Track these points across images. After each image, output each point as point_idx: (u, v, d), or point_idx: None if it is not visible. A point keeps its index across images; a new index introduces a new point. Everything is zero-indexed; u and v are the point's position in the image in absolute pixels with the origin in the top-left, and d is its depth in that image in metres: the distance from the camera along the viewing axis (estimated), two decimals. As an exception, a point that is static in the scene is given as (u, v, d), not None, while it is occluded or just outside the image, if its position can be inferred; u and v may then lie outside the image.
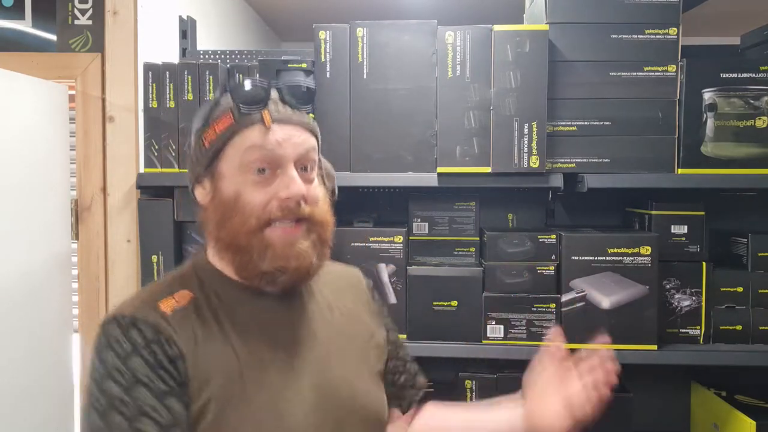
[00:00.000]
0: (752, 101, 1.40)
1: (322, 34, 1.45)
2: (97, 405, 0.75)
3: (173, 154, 1.50)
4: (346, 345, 0.92)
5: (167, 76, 1.51)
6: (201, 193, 0.89)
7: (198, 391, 0.78)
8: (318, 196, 0.87)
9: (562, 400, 0.98)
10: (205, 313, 0.84)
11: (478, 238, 1.59)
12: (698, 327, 1.47)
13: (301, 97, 0.89)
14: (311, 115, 0.92)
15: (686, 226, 1.47)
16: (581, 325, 1.42)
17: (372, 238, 1.48)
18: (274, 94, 0.87)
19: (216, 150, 0.85)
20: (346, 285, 1.01)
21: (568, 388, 1.00)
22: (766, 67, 1.40)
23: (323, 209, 0.88)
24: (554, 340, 1.06)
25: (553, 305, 1.44)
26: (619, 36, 1.41)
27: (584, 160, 1.43)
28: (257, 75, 1.50)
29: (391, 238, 1.48)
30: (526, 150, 1.39)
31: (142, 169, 1.61)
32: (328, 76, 1.45)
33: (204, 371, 0.79)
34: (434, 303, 1.47)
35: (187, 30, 1.83)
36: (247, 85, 0.86)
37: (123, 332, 0.79)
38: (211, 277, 0.88)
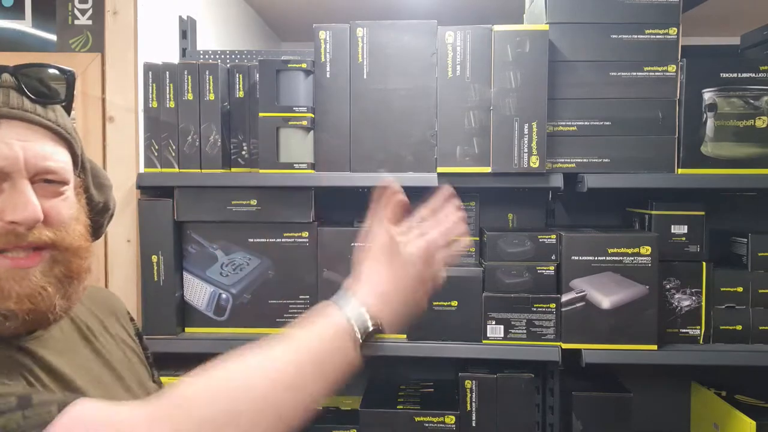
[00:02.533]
0: (752, 101, 1.40)
1: (322, 34, 1.45)
2: None
3: (173, 154, 1.51)
4: (127, 374, 0.80)
5: (167, 76, 1.51)
6: None
7: None
8: (65, 216, 0.67)
9: (412, 260, 0.82)
10: None
11: (478, 238, 1.59)
12: (698, 327, 1.47)
13: (53, 88, 0.68)
14: (69, 112, 0.72)
15: (686, 226, 1.47)
16: (581, 325, 1.42)
17: (372, 238, 1.48)
18: (7, 79, 0.66)
19: None
20: (107, 309, 0.87)
21: (416, 244, 0.84)
22: (766, 67, 1.40)
23: (74, 232, 0.68)
24: (389, 186, 0.84)
25: (553, 305, 1.44)
26: (619, 36, 1.41)
27: (584, 160, 1.43)
28: (257, 75, 1.50)
29: (391, 238, 1.48)
30: (526, 150, 1.39)
31: (142, 169, 1.61)
32: (328, 76, 1.45)
33: None
34: (434, 303, 1.47)
35: (187, 30, 1.83)
36: None
37: None
38: None
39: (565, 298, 1.43)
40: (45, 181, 0.66)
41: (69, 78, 0.70)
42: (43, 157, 0.65)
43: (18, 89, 0.66)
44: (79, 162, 0.73)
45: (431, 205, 0.86)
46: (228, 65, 1.55)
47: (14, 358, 0.65)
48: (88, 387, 0.70)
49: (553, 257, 1.45)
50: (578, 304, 1.42)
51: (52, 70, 0.69)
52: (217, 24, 2.42)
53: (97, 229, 0.80)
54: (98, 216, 0.80)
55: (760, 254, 1.47)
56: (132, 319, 0.94)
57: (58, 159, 0.67)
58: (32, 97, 0.66)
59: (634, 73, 1.41)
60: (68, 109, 0.71)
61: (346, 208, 1.71)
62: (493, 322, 1.45)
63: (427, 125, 1.44)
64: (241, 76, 1.53)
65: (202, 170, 1.49)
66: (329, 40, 1.45)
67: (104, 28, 1.66)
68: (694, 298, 1.46)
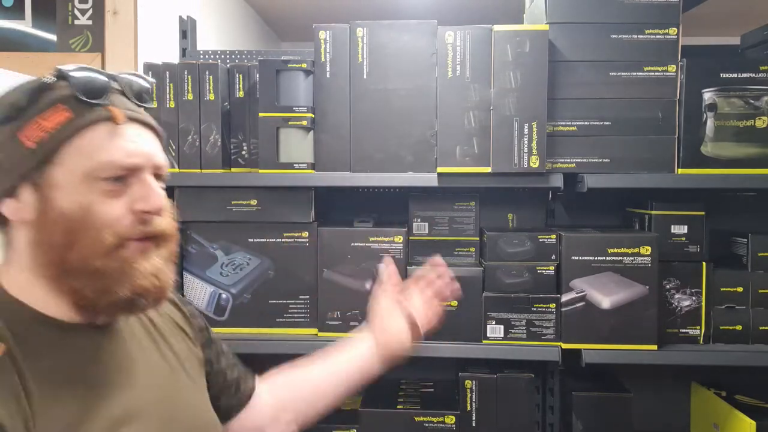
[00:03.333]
0: (752, 101, 1.40)
1: (322, 34, 1.45)
2: None
3: (173, 154, 1.50)
4: (178, 366, 0.85)
5: (167, 76, 1.51)
6: (13, 208, 0.69)
7: None
8: (168, 207, 0.76)
9: (405, 317, 1.07)
10: (28, 364, 0.66)
11: (478, 238, 1.59)
12: (698, 327, 1.47)
13: (147, 93, 0.76)
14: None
15: (686, 226, 1.47)
16: (581, 325, 1.42)
17: (372, 238, 1.48)
18: (116, 85, 0.73)
19: (47, 152, 0.67)
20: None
21: (409, 305, 1.09)
22: (766, 67, 1.40)
23: (171, 223, 0.76)
24: (387, 267, 1.11)
25: (553, 305, 1.44)
26: (619, 36, 1.41)
27: (584, 160, 1.43)
28: (257, 75, 1.50)
29: (391, 238, 1.48)
30: (526, 150, 1.39)
31: (142, 169, 1.61)
32: (328, 76, 1.45)
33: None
34: (434, 303, 1.46)
35: (187, 30, 1.83)
36: (84, 71, 0.70)
37: None
38: (17, 316, 0.69)
39: (565, 298, 1.43)
40: (155, 176, 0.74)
41: (152, 85, 0.79)
42: (157, 153, 0.74)
43: (124, 94, 0.73)
44: None
45: (423, 272, 1.12)
46: (228, 65, 1.55)
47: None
48: (152, 379, 0.79)
49: (553, 257, 1.45)
50: (578, 304, 1.42)
51: (141, 78, 0.77)
52: (217, 24, 2.42)
53: None
54: None
55: (760, 254, 1.47)
56: (187, 302, 0.99)
57: (163, 155, 0.76)
58: (136, 102, 0.74)
59: (634, 73, 1.41)
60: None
61: (346, 208, 1.71)
62: (493, 322, 1.45)
63: (426, 125, 1.44)
64: (241, 76, 1.53)
65: (202, 170, 1.49)
66: (329, 40, 1.45)
67: (104, 28, 1.66)
68: (694, 298, 1.46)
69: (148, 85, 0.77)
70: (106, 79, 0.71)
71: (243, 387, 0.99)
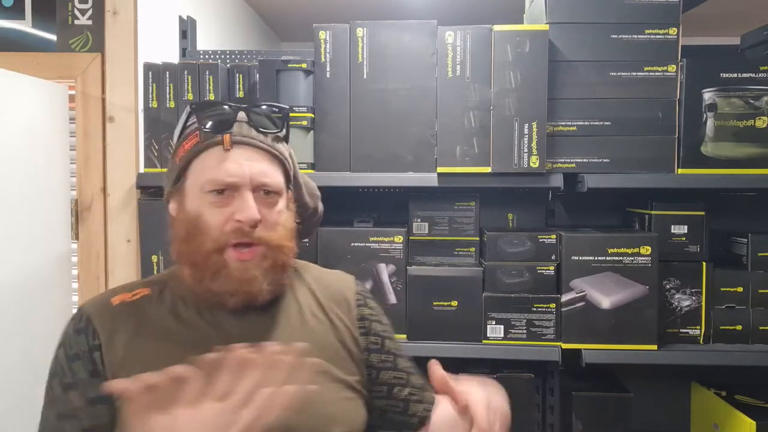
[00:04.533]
0: (752, 101, 1.40)
1: (322, 34, 1.45)
2: (45, 398, 0.85)
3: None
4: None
5: (167, 76, 1.51)
6: (172, 207, 0.90)
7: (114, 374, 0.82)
8: (277, 221, 0.87)
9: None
10: (152, 311, 0.88)
11: (478, 238, 1.59)
12: (698, 327, 1.47)
13: (272, 120, 0.90)
14: (284, 133, 0.92)
15: (686, 226, 1.47)
16: (581, 325, 1.42)
17: (372, 238, 1.48)
18: (242, 115, 0.87)
19: (182, 167, 0.87)
20: (330, 293, 0.98)
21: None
22: (766, 67, 1.40)
23: (281, 234, 0.87)
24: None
25: (553, 305, 1.44)
26: (619, 36, 1.41)
27: (584, 160, 1.43)
28: (257, 75, 1.50)
29: (391, 238, 1.48)
30: (526, 150, 1.39)
31: (142, 169, 1.61)
32: (328, 76, 1.45)
33: (122, 363, 0.83)
34: (434, 303, 1.47)
35: (187, 30, 1.83)
36: (212, 106, 0.88)
37: (73, 328, 0.87)
38: (178, 284, 0.90)
39: (565, 298, 1.43)
40: (264, 192, 0.86)
41: (285, 113, 0.92)
42: (263, 173, 0.86)
43: (248, 123, 0.87)
44: (290, 179, 0.93)
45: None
46: (228, 65, 1.55)
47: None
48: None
49: (553, 257, 1.45)
50: (578, 304, 1.42)
51: (271, 108, 0.91)
52: (217, 24, 2.42)
53: (310, 228, 1.10)
54: (310, 218, 1.06)
55: (760, 254, 1.47)
56: (362, 305, 1.00)
57: (273, 175, 0.87)
58: (258, 129, 0.87)
59: (634, 73, 1.41)
60: (286, 139, 0.93)
61: (346, 208, 1.71)
62: (493, 322, 1.45)
63: (426, 125, 1.44)
64: (241, 76, 1.53)
65: (202, 170, 1.49)
66: (329, 40, 1.45)
67: (104, 28, 1.66)
68: (694, 298, 1.46)
69: (274, 114, 0.90)
70: (229, 112, 0.87)
71: (413, 409, 0.96)
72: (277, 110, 0.91)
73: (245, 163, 0.85)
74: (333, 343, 0.93)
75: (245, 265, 0.85)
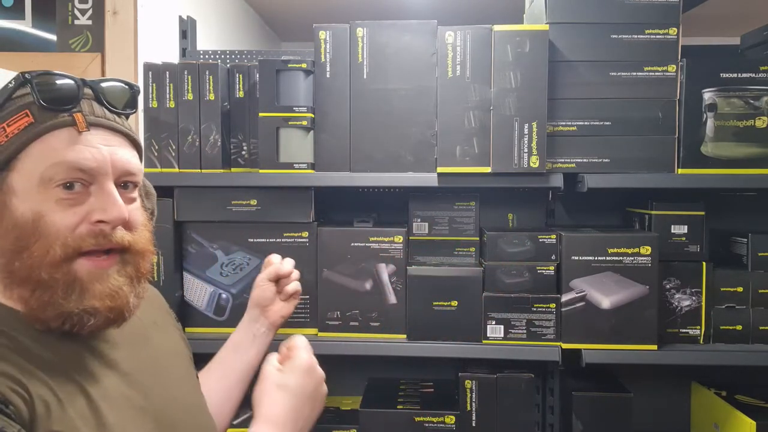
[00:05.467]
0: (752, 101, 1.40)
1: (322, 34, 1.45)
2: None
3: (173, 154, 1.50)
4: (171, 368, 0.84)
5: (167, 76, 1.51)
6: None
7: None
8: (139, 221, 0.73)
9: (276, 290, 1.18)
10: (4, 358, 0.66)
11: (478, 238, 1.59)
12: (698, 327, 1.47)
13: (125, 99, 0.74)
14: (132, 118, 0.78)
15: (686, 226, 1.47)
16: (581, 325, 1.42)
17: (372, 238, 1.48)
18: (88, 91, 0.71)
19: (6, 158, 0.67)
20: (149, 302, 0.87)
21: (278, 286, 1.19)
22: (766, 67, 1.40)
23: (144, 237, 0.73)
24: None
25: (553, 305, 1.44)
26: (619, 36, 1.41)
27: (584, 160, 1.43)
28: (257, 75, 1.50)
29: (391, 238, 1.48)
30: (526, 150, 1.39)
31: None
32: (328, 76, 1.45)
33: None
34: (434, 303, 1.47)
35: (187, 30, 1.83)
36: (49, 77, 0.68)
37: None
38: (4, 318, 0.68)
39: (565, 298, 1.43)
40: (123, 186, 0.71)
41: (135, 92, 0.76)
42: (126, 160, 0.71)
43: (98, 101, 0.71)
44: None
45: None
46: (228, 65, 1.55)
47: (83, 359, 0.71)
48: (146, 380, 0.77)
49: (553, 257, 1.45)
50: (578, 304, 1.42)
51: (122, 84, 0.75)
52: (217, 24, 2.42)
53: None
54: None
55: (760, 254, 1.47)
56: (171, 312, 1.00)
57: (136, 162, 0.73)
58: (111, 107, 0.72)
59: (634, 73, 1.41)
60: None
61: (346, 208, 1.71)
62: (493, 322, 1.45)
63: (427, 125, 1.44)
64: (241, 76, 1.53)
65: (202, 170, 1.49)
66: (329, 40, 1.45)
67: (104, 28, 1.66)
68: (694, 298, 1.46)
69: (128, 92, 0.74)
70: (74, 84, 0.69)
71: None
72: (127, 87, 0.75)
73: (105, 148, 0.69)
74: (177, 350, 0.92)
75: (104, 273, 0.68)
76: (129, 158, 0.72)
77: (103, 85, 0.72)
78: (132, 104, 0.75)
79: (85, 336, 0.71)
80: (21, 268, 0.66)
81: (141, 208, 0.76)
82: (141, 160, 0.77)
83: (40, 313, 0.67)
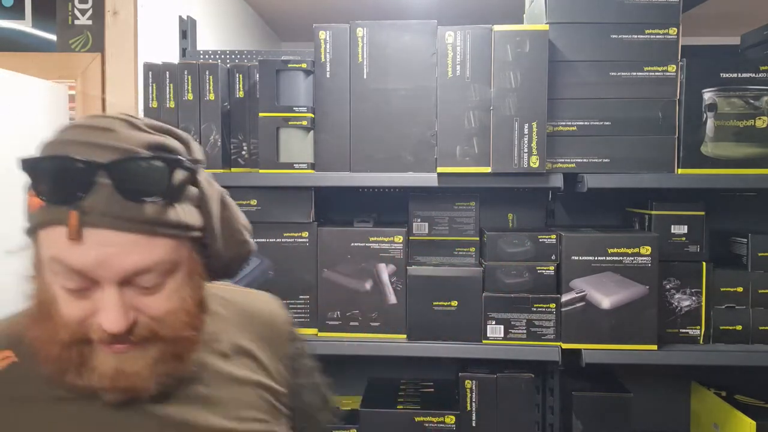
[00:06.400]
0: (752, 101, 1.40)
1: (322, 34, 1.45)
2: None
3: (173, 154, 1.50)
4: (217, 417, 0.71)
5: (167, 76, 1.51)
6: (30, 263, 0.66)
7: None
8: (165, 311, 0.64)
9: None
10: (26, 390, 0.66)
11: (478, 238, 1.59)
12: (698, 327, 1.47)
13: (154, 176, 0.61)
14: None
15: (686, 226, 1.47)
16: (581, 325, 1.42)
17: (372, 238, 1.48)
18: (103, 178, 0.59)
19: (31, 228, 0.64)
20: (256, 328, 0.80)
21: None
22: (766, 67, 1.40)
23: (173, 324, 0.64)
24: None
25: (553, 305, 1.44)
26: (619, 36, 1.41)
27: (584, 160, 1.43)
28: (257, 75, 1.50)
29: (391, 238, 1.48)
30: (526, 150, 1.39)
31: (142, 169, 1.61)
32: (328, 76, 1.45)
33: None
34: (434, 303, 1.47)
35: (187, 30, 1.83)
36: (54, 162, 0.60)
37: None
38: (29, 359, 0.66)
39: (565, 298, 1.43)
40: (136, 283, 0.62)
41: (173, 163, 0.63)
42: (129, 265, 0.60)
43: (114, 186, 0.60)
44: (195, 244, 0.68)
45: None
46: (228, 65, 1.55)
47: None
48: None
49: (553, 257, 1.45)
50: (578, 304, 1.42)
51: (158, 164, 0.62)
52: (217, 24, 2.42)
53: (233, 270, 0.77)
54: (231, 263, 0.75)
55: (760, 254, 1.47)
56: (293, 339, 0.84)
57: (150, 259, 0.61)
58: (129, 195, 0.60)
59: (634, 73, 1.41)
60: (177, 192, 0.64)
61: (346, 208, 1.71)
62: (493, 322, 1.45)
63: (427, 125, 1.44)
64: (241, 76, 1.53)
65: (202, 170, 1.49)
66: (329, 40, 1.45)
67: (104, 28, 1.66)
68: (694, 298, 1.46)
69: (163, 171, 0.61)
70: (82, 169, 0.59)
71: None
72: (161, 164, 0.62)
73: (103, 252, 0.59)
74: (264, 393, 0.76)
75: (121, 359, 0.63)
76: (135, 262, 0.60)
77: (125, 164, 0.60)
78: (165, 182, 0.62)
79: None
80: (38, 338, 0.64)
81: (179, 290, 0.65)
82: (189, 240, 0.66)
83: (57, 380, 0.64)
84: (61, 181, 0.59)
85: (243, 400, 0.74)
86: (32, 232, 0.64)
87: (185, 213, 0.64)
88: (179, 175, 0.63)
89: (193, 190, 0.66)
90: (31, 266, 0.65)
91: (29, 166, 0.61)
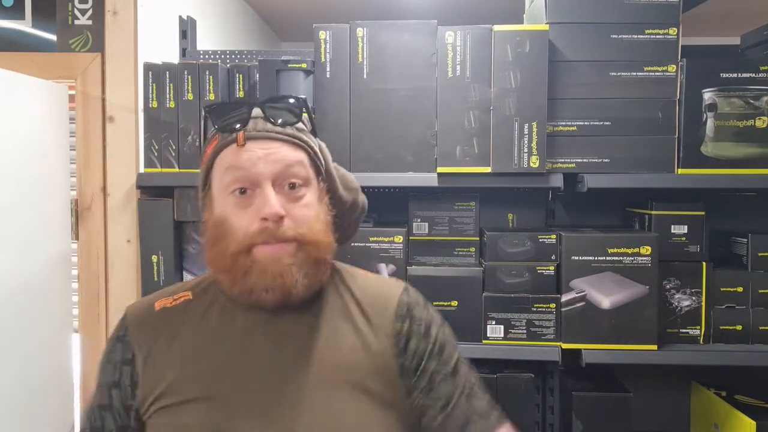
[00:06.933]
0: (752, 101, 1.40)
1: (322, 34, 1.45)
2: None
3: (173, 154, 1.51)
4: (331, 375, 0.82)
5: (167, 76, 1.51)
6: (205, 214, 0.87)
7: (149, 391, 0.82)
8: (307, 216, 0.82)
9: None
10: (189, 316, 0.87)
11: (478, 238, 1.59)
12: (698, 327, 1.47)
13: (291, 111, 0.85)
14: (305, 123, 0.88)
15: (686, 226, 1.47)
16: (581, 325, 1.42)
17: (372, 238, 1.48)
18: (257, 111, 0.84)
19: (206, 172, 0.86)
20: (373, 301, 0.89)
21: None
22: (766, 67, 1.40)
23: (315, 229, 0.82)
24: None
25: (553, 305, 1.44)
26: (619, 36, 1.41)
27: (584, 160, 1.43)
28: (257, 75, 1.51)
29: (391, 238, 1.48)
30: (526, 150, 1.39)
31: (142, 169, 1.61)
32: (328, 76, 1.45)
33: (156, 374, 0.83)
34: (434, 303, 1.46)
35: (187, 30, 1.83)
36: (226, 106, 0.85)
37: (115, 335, 0.88)
38: (218, 288, 0.88)
39: (565, 298, 1.43)
40: (289, 186, 0.82)
41: (301, 103, 0.86)
42: (282, 162, 0.81)
43: (264, 118, 0.84)
44: (322, 171, 0.88)
45: None
46: (228, 65, 1.55)
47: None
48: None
49: (553, 257, 1.45)
50: (578, 304, 1.42)
51: (286, 102, 0.85)
52: (217, 24, 2.42)
53: (351, 224, 1.01)
54: (349, 213, 0.98)
55: (760, 254, 1.47)
56: (403, 316, 0.90)
57: (295, 164, 0.82)
58: (273, 122, 0.84)
59: (634, 73, 1.41)
60: (313, 132, 0.90)
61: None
62: (493, 322, 1.45)
63: (427, 125, 1.44)
64: (241, 76, 1.53)
65: (202, 170, 1.49)
66: (329, 40, 1.45)
67: (104, 28, 1.66)
68: (694, 298, 1.46)
69: (291, 106, 0.85)
70: (244, 109, 0.83)
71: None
72: (294, 101, 0.86)
73: (261, 153, 0.81)
74: (370, 354, 0.84)
75: (277, 255, 0.80)
76: (284, 159, 0.81)
77: (270, 104, 0.85)
78: (298, 114, 0.86)
79: (267, 310, 0.84)
80: (215, 257, 0.83)
81: (316, 203, 0.84)
82: (319, 163, 0.87)
83: (230, 290, 0.83)
84: (232, 116, 0.83)
85: (345, 343, 0.86)
86: (208, 172, 0.85)
87: (311, 140, 0.87)
88: (307, 111, 0.87)
89: (314, 138, 0.89)
90: (206, 205, 0.86)
91: (210, 109, 0.84)
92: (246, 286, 0.81)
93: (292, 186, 0.82)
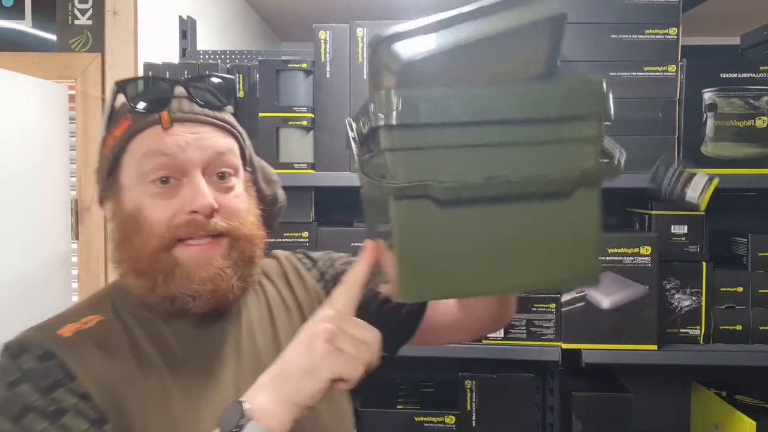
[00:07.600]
0: (752, 101, 1.40)
1: (322, 34, 1.45)
2: None
3: (173, 154, 1.50)
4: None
5: (167, 76, 1.51)
6: (108, 208, 0.76)
7: (105, 405, 0.67)
8: (239, 208, 0.75)
9: None
10: (113, 336, 0.72)
11: (478, 238, 1.59)
12: (698, 327, 1.47)
13: (219, 92, 0.76)
14: (230, 111, 0.79)
15: (686, 226, 1.47)
16: (581, 325, 1.42)
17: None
18: (180, 90, 0.74)
19: (114, 158, 0.73)
20: (280, 273, 0.90)
21: None
22: (766, 67, 1.40)
23: (247, 222, 0.75)
24: None
25: (553, 305, 1.44)
26: (619, 36, 1.41)
27: (584, 160, 1.42)
28: (257, 75, 1.50)
29: (391, 238, 1.48)
30: (526, 150, 1.39)
31: (142, 169, 1.60)
32: (328, 76, 1.45)
33: (107, 393, 0.68)
34: (434, 303, 1.46)
35: (187, 30, 1.83)
36: (140, 82, 0.75)
37: (11, 360, 0.68)
38: (126, 299, 0.75)
39: (565, 298, 1.43)
40: (219, 176, 0.73)
41: (230, 84, 0.80)
42: (213, 149, 0.72)
43: (189, 98, 0.74)
44: (247, 158, 0.80)
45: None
46: (228, 65, 1.55)
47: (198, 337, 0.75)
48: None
49: (553, 257, 1.45)
50: (578, 304, 1.42)
51: (214, 80, 0.78)
52: (217, 24, 2.42)
53: (270, 220, 0.88)
54: (269, 207, 0.88)
55: (760, 254, 1.47)
56: (311, 267, 0.92)
57: (227, 151, 0.74)
58: (200, 103, 0.74)
59: (634, 73, 1.41)
60: (235, 116, 0.80)
61: (346, 208, 1.71)
62: (493, 322, 1.45)
63: (427, 125, 1.43)
64: (241, 76, 1.53)
65: (202, 170, 1.49)
66: (329, 40, 1.45)
67: (104, 28, 1.66)
68: (694, 298, 1.46)
69: (216, 88, 0.77)
70: (165, 86, 0.74)
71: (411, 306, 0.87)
72: (222, 81, 0.78)
73: (190, 138, 0.71)
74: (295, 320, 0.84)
75: (207, 257, 0.71)
76: (216, 146, 0.73)
77: (195, 84, 0.75)
78: (227, 95, 0.77)
79: (199, 317, 0.75)
80: (127, 257, 0.72)
81: (245, 195, 0.77)
82: (245, 148, 0.79)
83: (147, 297, 0.72)
84: (149, 94, 0.73)
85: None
86: (116, 158, 0.73)
87: (238, 125, 0.79)
88: (233, 95, 0.80)
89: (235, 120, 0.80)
90: (112, 194, 0.74)
91: (124, 85, 0.73)
92: (167, 292, 0.71)
93: (221, 175, 0.74)
